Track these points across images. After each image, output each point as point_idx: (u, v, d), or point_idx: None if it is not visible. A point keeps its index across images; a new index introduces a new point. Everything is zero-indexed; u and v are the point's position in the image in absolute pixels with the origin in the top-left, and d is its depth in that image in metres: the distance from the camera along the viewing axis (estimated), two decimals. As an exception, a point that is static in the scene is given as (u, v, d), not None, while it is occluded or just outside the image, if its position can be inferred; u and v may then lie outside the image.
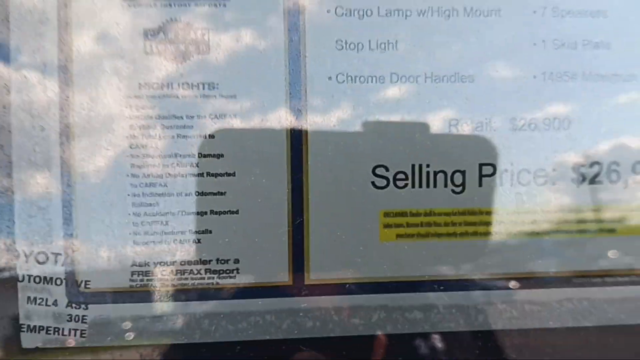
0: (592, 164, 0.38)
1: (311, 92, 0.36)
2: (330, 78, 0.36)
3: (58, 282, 0.33)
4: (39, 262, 0.33)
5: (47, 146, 0.34)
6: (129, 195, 0.34)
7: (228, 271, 0.35)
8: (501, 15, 0.37)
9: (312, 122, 0.36)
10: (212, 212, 0.35)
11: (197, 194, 0.35)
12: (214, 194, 0.35)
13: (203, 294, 0.35)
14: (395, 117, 0.37)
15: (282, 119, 0.36)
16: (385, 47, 0.37)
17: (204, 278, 0.35)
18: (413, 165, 0.36)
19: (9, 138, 0.34)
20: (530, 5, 0.38)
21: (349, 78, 0.36)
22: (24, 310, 0.33)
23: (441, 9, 0.37)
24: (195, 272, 0.35)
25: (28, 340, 0.34)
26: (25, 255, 0.33)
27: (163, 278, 0.34)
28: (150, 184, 0.34)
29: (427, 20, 0.37)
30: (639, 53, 0.38)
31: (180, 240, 0.35)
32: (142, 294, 0.34)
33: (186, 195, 0.35)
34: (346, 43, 0.36)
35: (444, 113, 0.37)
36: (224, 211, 0.35)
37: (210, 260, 0.35)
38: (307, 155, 0.36)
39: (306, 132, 0.36)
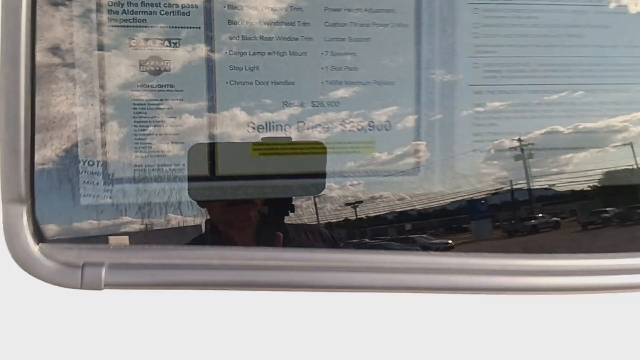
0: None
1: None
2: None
3: (98, 175, 0.71)
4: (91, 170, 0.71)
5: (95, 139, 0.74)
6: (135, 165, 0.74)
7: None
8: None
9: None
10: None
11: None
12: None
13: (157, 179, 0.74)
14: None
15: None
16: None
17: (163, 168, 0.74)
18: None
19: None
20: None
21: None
22: (82, 187, 0.70)
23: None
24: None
25: (84, 200, 0.70)
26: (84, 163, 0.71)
27: (148, 176, 0.73)
28: (146, 161, 0.74)
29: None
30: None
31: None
32: (139, 180, 0.73)
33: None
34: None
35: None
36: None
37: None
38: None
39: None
